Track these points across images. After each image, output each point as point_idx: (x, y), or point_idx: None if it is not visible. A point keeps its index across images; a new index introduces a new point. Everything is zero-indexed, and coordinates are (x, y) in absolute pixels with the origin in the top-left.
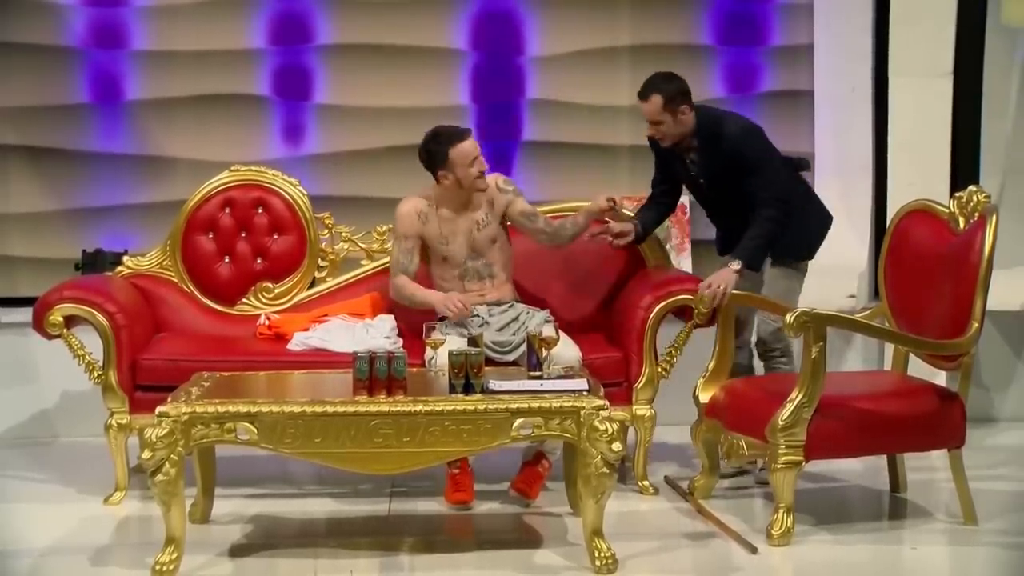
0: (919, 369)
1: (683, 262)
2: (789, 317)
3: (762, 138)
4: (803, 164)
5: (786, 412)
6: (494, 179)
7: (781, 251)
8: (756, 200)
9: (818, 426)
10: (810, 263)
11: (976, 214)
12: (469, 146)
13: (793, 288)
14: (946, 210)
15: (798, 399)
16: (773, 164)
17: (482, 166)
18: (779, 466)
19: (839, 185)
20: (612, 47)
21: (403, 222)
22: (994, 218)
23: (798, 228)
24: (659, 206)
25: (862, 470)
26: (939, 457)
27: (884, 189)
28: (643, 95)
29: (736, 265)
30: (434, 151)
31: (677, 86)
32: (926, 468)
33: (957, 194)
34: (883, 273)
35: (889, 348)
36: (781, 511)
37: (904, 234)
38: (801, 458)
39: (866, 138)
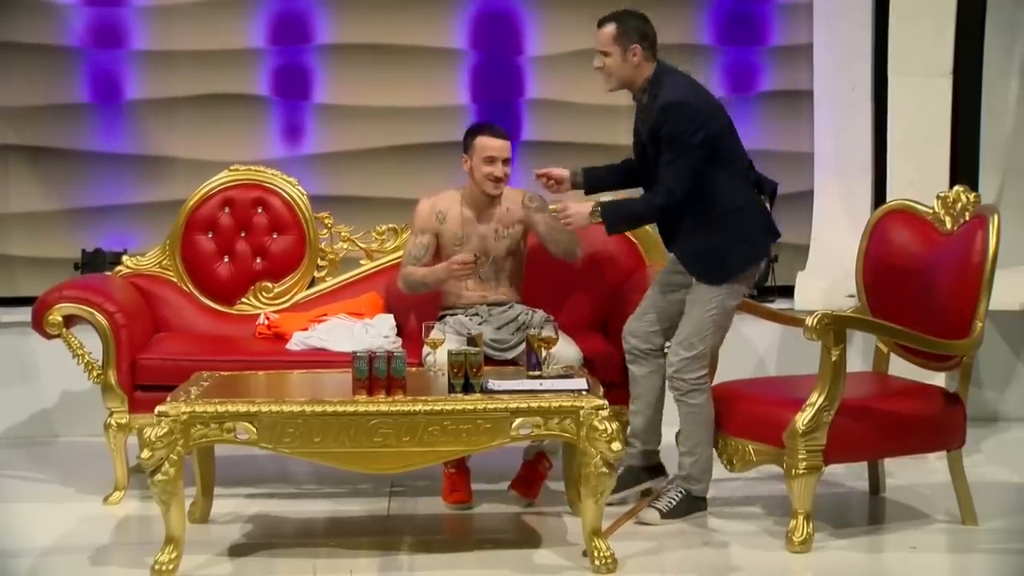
0: (899, 370)
1: None
2: (810, 320)
3: (687, 117)
4: (770, 188)
5: (806, 416)
6: (523, 195)
7: (695, 265)
8: (658, 177)
9: (838, 430)
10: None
11: (966, 214)
12: (492, 143)
13: (716, 321)
14: (929, 210)
15: (818, 403)
16: (686, 149)
17: (499, 171)
18: (800, 472)
19: (839, 185)
20: None
21: (420, 218)
22: (995, 218)
23: (721, 244)
24: (623, 166)
25: (843, 472)
26: (933, 457)
27: (884, 188)
28: (601, 22)
29: (596, 211)
30: (467, 133)
31: (638, 24)
32: (916, 469)
33: (942, 193)
34: (861, 274)
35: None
36: (800, 517)
37: (884, 234)
38: (821, 463)
39: (866, 137)
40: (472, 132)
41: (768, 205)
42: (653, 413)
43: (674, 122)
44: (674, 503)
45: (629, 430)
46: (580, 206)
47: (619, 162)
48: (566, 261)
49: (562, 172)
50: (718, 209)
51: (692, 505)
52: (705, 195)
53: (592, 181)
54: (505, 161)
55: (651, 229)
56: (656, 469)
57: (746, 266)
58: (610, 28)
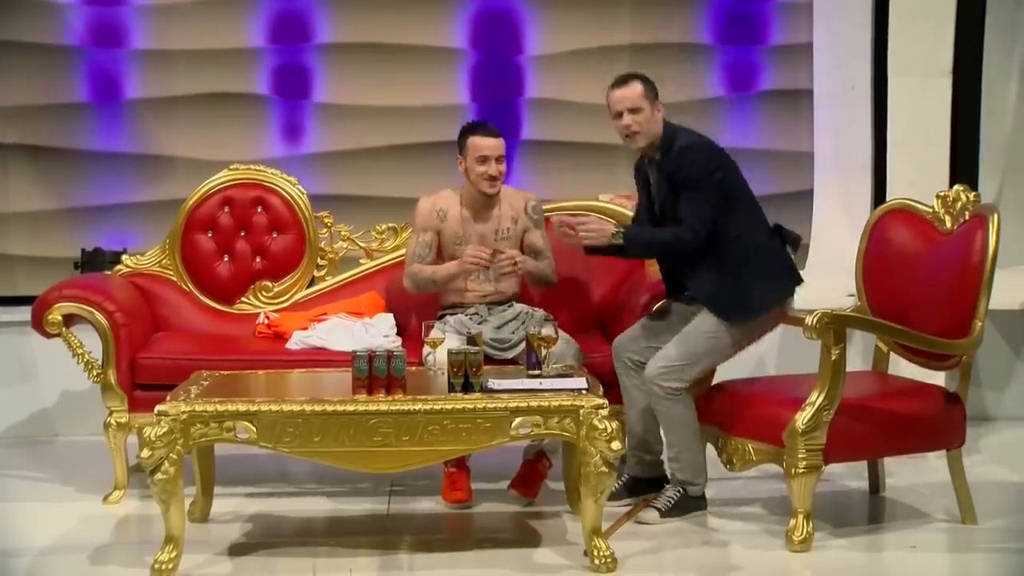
0: (899, 369)
1: None
2: (810, 319)
3: (705, 157)
4: (793, 238)
5: (806, 415)
6: (526, 199)
7: (711, 300)
8: (680, 219)
9: (837, 429)
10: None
11: (966, 213)
12: (484, 142)
13: (713, 351)
14: (929, 210)
15: (818, 402)
16: (705, 189)
17: (494, 170)
18: (799, 471)
19: (838, 184)
20: (611, 46)
21: (421, 217)
22: (995, 217)
23: (740, 283)
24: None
25: (843, 471)
26: (932, 457)
27: (883, 188)
28: (622, 81)
29: (618, 232)
30: (461, 133)
31: (652, 83)
32: (915, 469)
33: (941, 193)
34: (861, 273)
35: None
36: (800, 516)
37: (883, 234)
38: (820, 462)
39: (865, 137)
40: (464, 133)
41: (793, 250)
42: (651, 418)
43: (692, 164)
44: (672, 502)
45: (630, 441)
46: (603, 223)
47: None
48: (543, 288)
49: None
50: (737, 250)
51: (691, 504)
52: (723, 237)
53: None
54: (499, 159)
55: None
56: (659, 481)
57: (767, 306)
58: (638, 85)
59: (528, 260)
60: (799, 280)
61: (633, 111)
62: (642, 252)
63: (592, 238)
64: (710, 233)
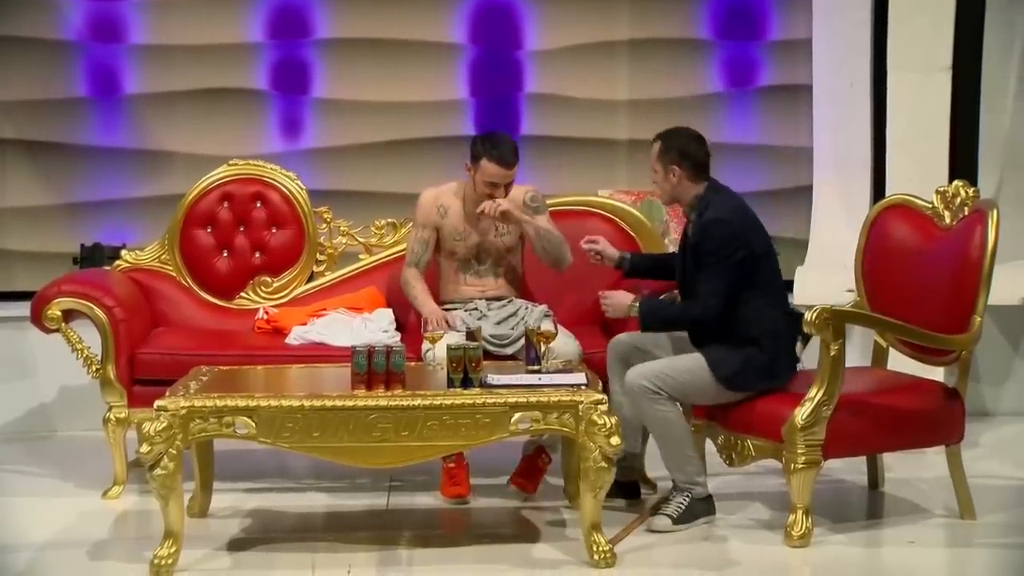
0: (898, 365)
1: None
2: (809, 315)
3: (729, 236)
4: (806, 336)
5: (805, 411)
6: (524, 192)
7: (720, 370)
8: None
9: (836, 424)
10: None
11: (965, 209)
12: (495, 171)
13: (695, 390)
14: (928, 205)
15: (817, 397)
16: (724, 266)
17: (500, 195)
18: (798, 466)
19: (838, 180)
20: (610, 41)
21: (422, 211)
22: (995, 213)
23: (741, 355)
24: (668, 261)
25: (842, 466)
26: (931, 452)
27: (882, 184)
28: (654, 138)
29: (635, 308)
30: (476, 145)
31: (678, 143)
32: (914, 464)
33: (940, 188)
34: (860, 269)
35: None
36: (799, 512)
37: (883, 229)
38: (820, 457)
39: (864, 133)
40: (481, 148)
41: (802, 344)
42: (630, 420)
43: (715, 238)
44: (683, 508)
45: None
46: (622, 296)
47: (666, 255)
48: (554, 269)
49: (613, 251)
50: (753, 331)
51: (699, 509)
52: (741, 317)
53: (634, 269)
54: (507, 185)
55: (653, 227)
56: (631, 486)
57: (756, 385)
58: (655, 146)
59: (523, 215)
60: (795, 372)
61: (652, 169)
62: (657, 327)
63: (612, 311)
64: (726, 308)
